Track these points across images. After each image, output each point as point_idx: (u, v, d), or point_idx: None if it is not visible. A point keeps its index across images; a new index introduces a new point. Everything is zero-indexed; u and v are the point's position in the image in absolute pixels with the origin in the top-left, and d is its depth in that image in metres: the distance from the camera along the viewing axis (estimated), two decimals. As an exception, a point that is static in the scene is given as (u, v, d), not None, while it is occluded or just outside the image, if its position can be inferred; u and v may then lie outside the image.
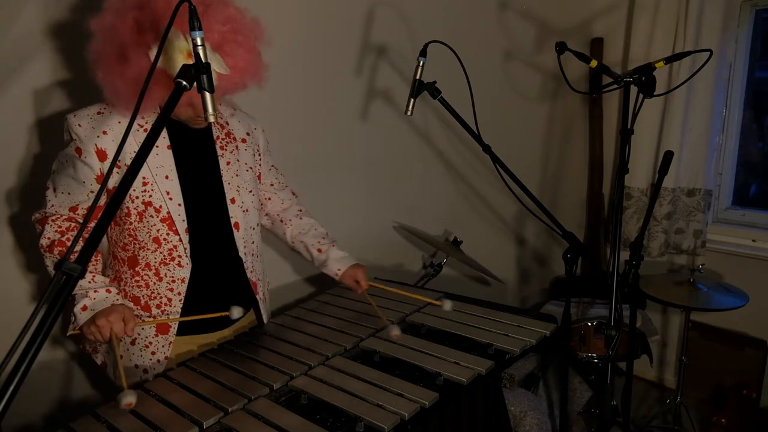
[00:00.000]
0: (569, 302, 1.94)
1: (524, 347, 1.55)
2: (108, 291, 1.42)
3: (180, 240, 1.47)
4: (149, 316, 1.49)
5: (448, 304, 1.76)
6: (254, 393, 1.33)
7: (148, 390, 1.37)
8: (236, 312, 1.54)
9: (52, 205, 1.43)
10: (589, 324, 2.57)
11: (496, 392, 1.70)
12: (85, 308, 1.38)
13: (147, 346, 1.51)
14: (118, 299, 1.43)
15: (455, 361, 1.45)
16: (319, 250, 1.80)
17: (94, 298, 1.39)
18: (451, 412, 1.44)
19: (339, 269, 1.79)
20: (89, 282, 1.41)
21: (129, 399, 1.25)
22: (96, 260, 1.47)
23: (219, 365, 1.48)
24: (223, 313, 1.53)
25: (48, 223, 1.42)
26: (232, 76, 1.34)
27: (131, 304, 1.48)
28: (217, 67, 1.30)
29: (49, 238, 1.41)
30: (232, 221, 1.58)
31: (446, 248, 2.44)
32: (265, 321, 1.73)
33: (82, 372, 1.78)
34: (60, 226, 1.42)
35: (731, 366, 2.92)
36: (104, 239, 1.51)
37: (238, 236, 1.59)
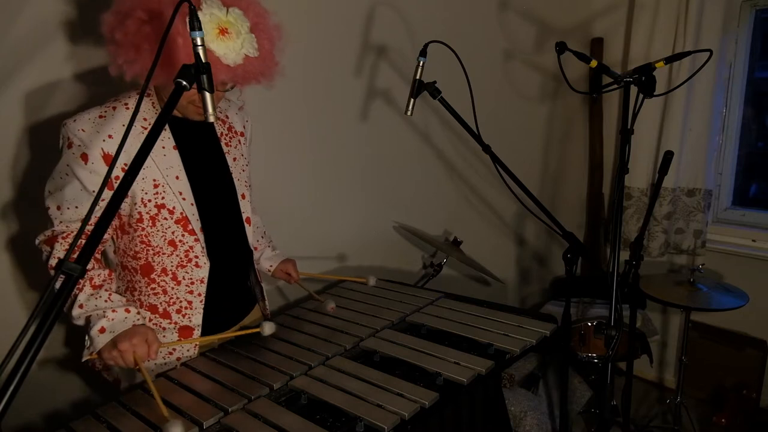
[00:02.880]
0: (569, 302, 1.93)
1: (524, 347, 1.55)
2: (127, 311, 1.34)
3: (196, 239, 1.45)
4: (169, 323, 1.47)
5: (372, 280, 1.99)
6: (254, 393, 1.33)
7: (148, 390, 1.37)
8: (268, 328, 1.48)
9: (60, 222, 1.36)
10: (589, 324, 2.57)
11: (496, 392, 1.70)
12: (103, 330, 1.30)
13: (171, 353, 1.50)
14: (138, 319, 1.35)
15: (455, 361, 1.45)
16: (255, 248, 1.82)
17: (113, 319, 1.32)
18: (451, 412, 1.44)
19: (271, 266, 1.86)
20: (105, 301, 1.33)
21: (177, 430, 1.14)
22: (110, 278, 1.40)
23: (219, 365, 1.48)
24: (255, 329, 1.48)
25: (58, 242, 1.34)
26: (253, 63, 1.32)
27: (144, 314, 1.45)
28: (250, 48, 1.28)
29: (58, 258, 1.33)
30: (244, 216, 1.60)
31: (446, 248, 2.44)
32: (267, 308, 1.78)
33: (82, 373, 1.78)
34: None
35: (731, 366, 2.92)
36: (110, 251, 1.48)
37: (249, 230, 1.62)
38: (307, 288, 1.88)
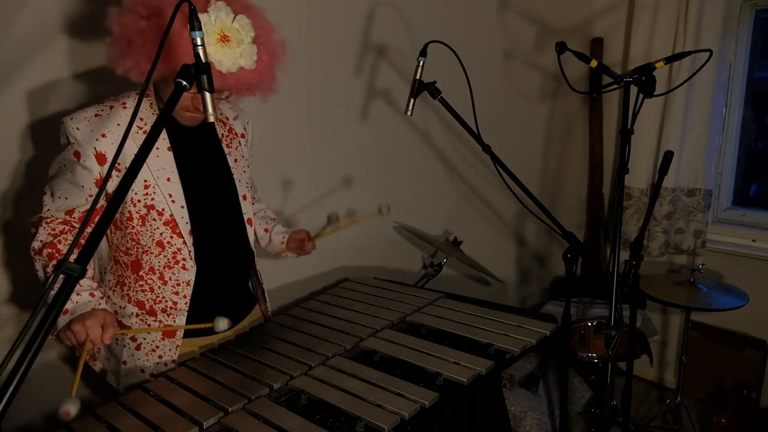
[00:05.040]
0: (569, 302, 1.93)
1: (524, 347, 1.55)
2: (91, 294, 1.38)
3: (184, 243, 1.45)
4: (154, 320, 1.48)
5: (384, 208, 1.97)
6: (254, 393, 1.33)
7: (148, 390, 1.37)
8: (222, 324, 1.44)
9: (48, 209, 1.41)
10: (589, 324, 2.57)
11: (496, 392, 1.70)
12: (66, 311, 1.33)
13: (153, 350, 1.50)
14: (100, 303, 1.38)
15: (455, 361, 1.45)
16: (265, 230, 1.83)
17: (76, 302, 1.35)
18: (451, 412, 1.44)
19: (283, 238, 1.82)
20: None
21: (68, 407, 1.11)
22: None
23: (219, 365, 1.48)
24: (207, 325, 1.46)
25: (42, 226, 1.40)
26: (248, 75, 1.32)
27: (132, 309, 1.47)
28: (248, 59, 1.28)
29: (41, 241, 1.38)
30: (245, 217, 1.60)
31: (446, 248, 2.44)
32: (269, 309, 1.77)
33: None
34: (53, 229, 1.39)
35: (731, 366, 2.92)
36: (104, 244, 1.49)
37: (250, 231, 1.62)
38: (326, 232, 1.87)
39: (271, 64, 1.37)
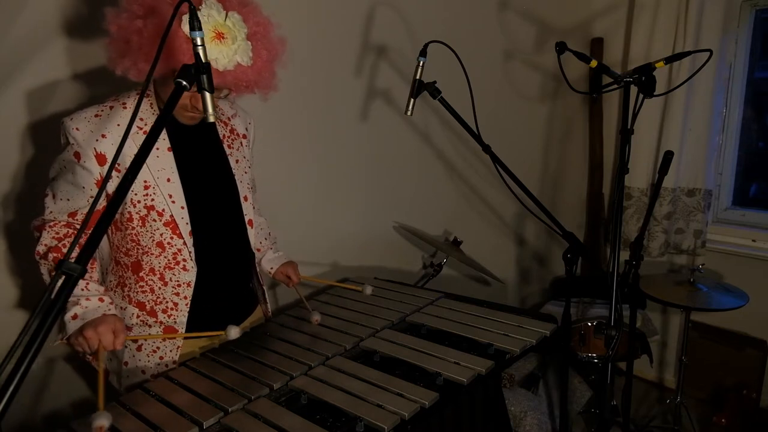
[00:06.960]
0: (569, 302, 1.93)
1: (524, 347, 1.55)
2: (101, 300, 1.37)
3: (184, 243, 1.45)
4: (155, 321, 1.48)
5: (368, 289, 1.92)
6: (254, 393, 1.33)
7: (148, 390, 1.37)
8: (233, 332, 1.48)
9: (51, 212, 1.40)
10: (589, 324, 2.57)
11: (496, 392, 1.70)
12: (75, 317, 1.33)
13: (154, 351, 1.50)
14: (110, 309, 1.38)
15: (455, 361, 1.45)
16: (258, 249, 1.81)
17: (86, 307, 1.35)
18: (451, 412, 1.44)
19: (272, 268, 1.83)
20: (82, 289, 1.36)
21: (101, 421, 1.15)
22: (92, 268, 1.43)
23: (219, 365, 1.48)
24: (219, 333, 1.49)
25: (45, 230, 1.39)
26: (246, 72, 1.31)
27: (133, 311, 1.47)
28: (244, 55, 1.28)
29: (45, 245, 1.37)
30: (246, 218, 1.60)
31: (446, 248, 2.44)
32: (270, 311, 1.78)
33: (82, 372, 1.78)
34: (57, 233, 1.39)
35: (731, 366, 2.92)
36: (105, 245, 1.49)
37: (251, 233, 1.62)
38: (300, 294, 1.84)
39: (270, 61, 1.37)
